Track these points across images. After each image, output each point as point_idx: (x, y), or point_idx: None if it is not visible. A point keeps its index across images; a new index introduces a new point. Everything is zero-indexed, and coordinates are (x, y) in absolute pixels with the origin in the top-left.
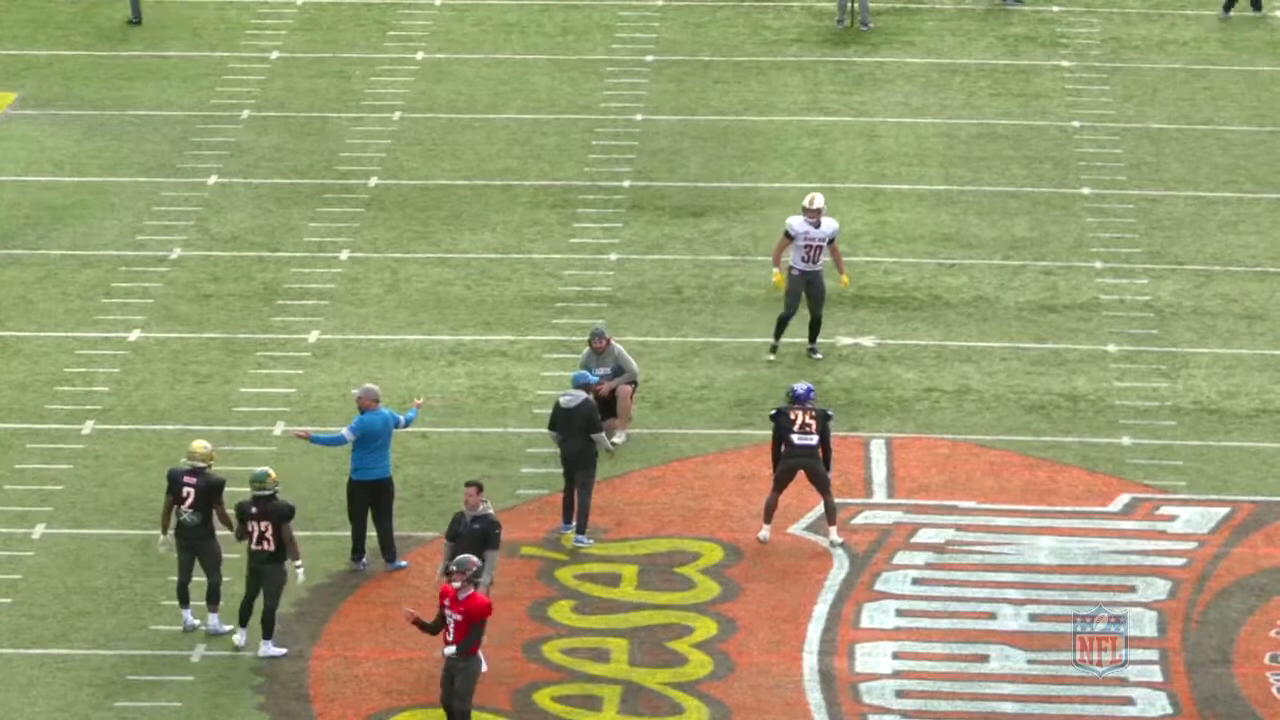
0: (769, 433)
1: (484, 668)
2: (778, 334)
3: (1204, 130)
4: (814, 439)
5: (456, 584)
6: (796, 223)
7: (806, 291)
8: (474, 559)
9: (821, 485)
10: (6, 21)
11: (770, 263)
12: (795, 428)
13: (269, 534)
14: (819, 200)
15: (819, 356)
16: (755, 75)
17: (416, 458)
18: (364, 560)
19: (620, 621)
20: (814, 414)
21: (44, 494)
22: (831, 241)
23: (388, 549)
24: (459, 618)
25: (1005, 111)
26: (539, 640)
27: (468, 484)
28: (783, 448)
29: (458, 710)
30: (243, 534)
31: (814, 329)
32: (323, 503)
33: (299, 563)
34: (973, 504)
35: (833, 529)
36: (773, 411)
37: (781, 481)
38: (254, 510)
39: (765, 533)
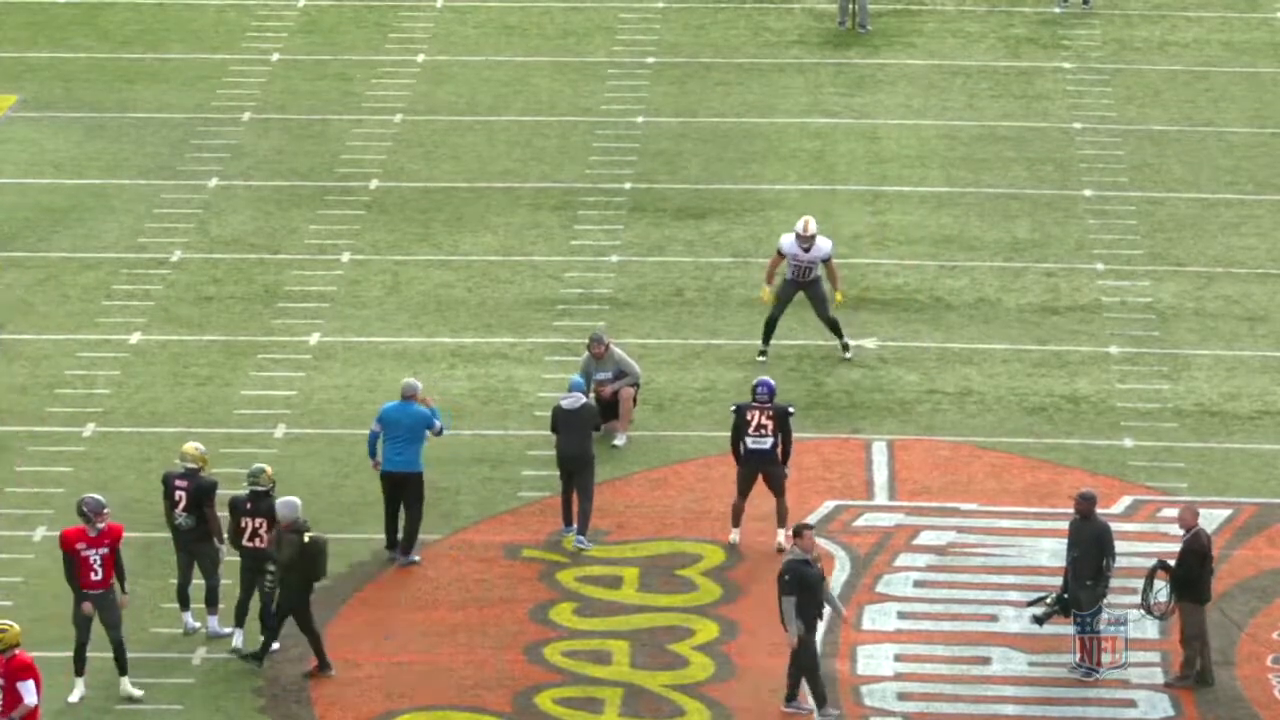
0: None
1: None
2: (765, 338)
3: (1206, 132)
4: (768, 441)
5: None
6: (788, 243)
7: (807, 295)
8: (98, 498)
9: (776, 489)
10: (7, 24)
11: (763, 278)
12: (750, 430)
13: (264, 530)
14: (812, 226)
15: (849, 355)
16: (756, 77)
17: None
18: (398, 551)
19: (621, 624)
20: (771, 414)
21: (45, 497)
22: (826, 261)
23: (406, 542)
24: (105, 551)
25: (1006, 113)
26: (540, 642)
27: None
28: (741, 448)
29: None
30: (235, 531)
31: (835, 331)
32: (323, 505)
33: None
34: (974, 506)
35: (781, 532)
36: (734, 406)
37: (743, 487)
38: (248, 506)
39: (735, 535)
